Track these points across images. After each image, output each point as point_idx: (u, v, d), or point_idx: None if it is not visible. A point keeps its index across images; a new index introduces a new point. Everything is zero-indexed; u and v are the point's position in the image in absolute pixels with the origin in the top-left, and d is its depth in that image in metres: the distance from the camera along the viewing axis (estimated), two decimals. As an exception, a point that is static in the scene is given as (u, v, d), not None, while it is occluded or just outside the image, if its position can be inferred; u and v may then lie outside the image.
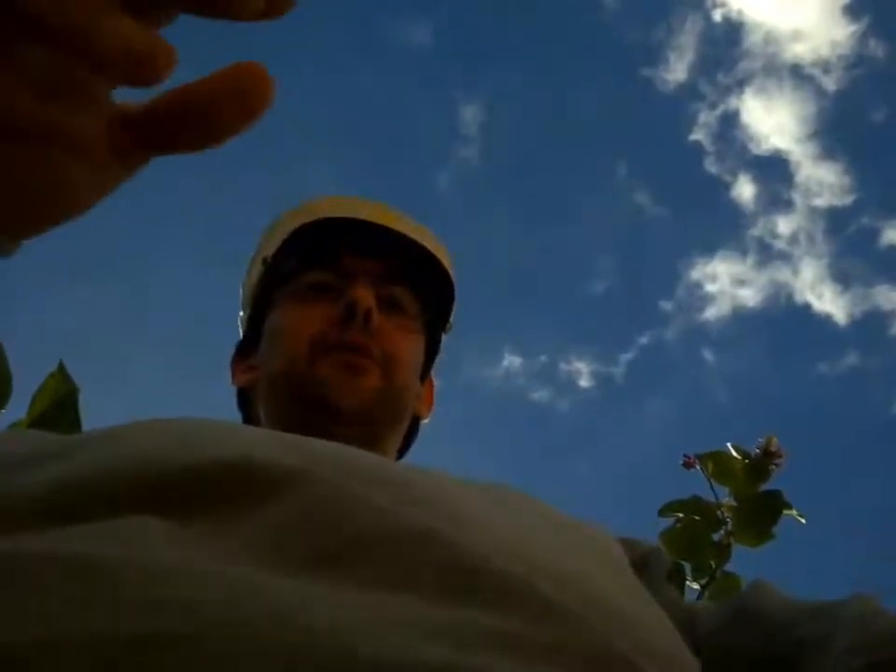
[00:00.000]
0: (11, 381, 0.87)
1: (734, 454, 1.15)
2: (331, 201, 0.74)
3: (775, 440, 1.14)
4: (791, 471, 1.17)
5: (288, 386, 0.66)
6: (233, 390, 0.75)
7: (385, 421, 0.67)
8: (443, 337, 0.79)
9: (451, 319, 0.78)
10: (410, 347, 0.71)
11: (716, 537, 1.14)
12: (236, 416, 0.75)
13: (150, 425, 0.43)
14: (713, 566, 1.13)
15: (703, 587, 1.12)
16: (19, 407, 0.89)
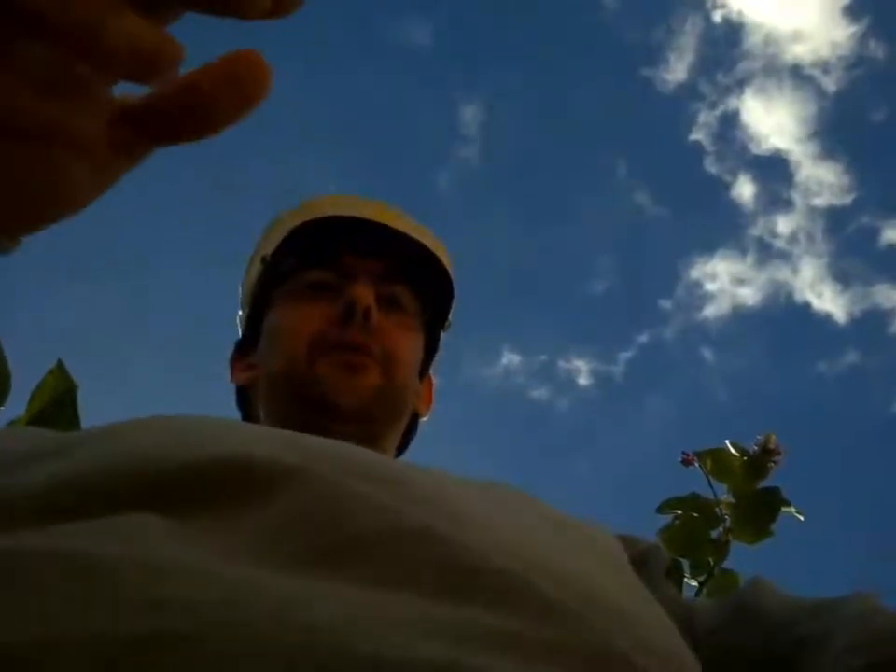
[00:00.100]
0: (10, 378, 0.87)
1: (732, 451, 1.15)
2: (331, 200, 0.74)
3: (773, 437, 1.14)
4: (790, 469, 1.17)
5: (288, 386, 0.66)
6: (233, 388, 0.75)
7: (384, 419, 0.67)
8: (442, 335, 0.79)
9: (450, 318, 0.78)
10: (409, 345, 0.71)
11: (714, 534, 1.14)
12: (235, 414, 0.75)
13: (150, 422, 0.43)
14: (711, 563, 1.13)
15: (701, 584, 1.12)
16: (18, 404, 0.89)
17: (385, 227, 0.71)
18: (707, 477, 1.15)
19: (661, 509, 1.15)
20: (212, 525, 0.33)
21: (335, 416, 0.63)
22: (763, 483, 1.13)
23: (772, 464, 1.13)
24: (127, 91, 0.29)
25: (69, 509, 0.33)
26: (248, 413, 0.73)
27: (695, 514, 1.14)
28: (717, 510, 1.14)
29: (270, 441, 0.40)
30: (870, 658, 0.41)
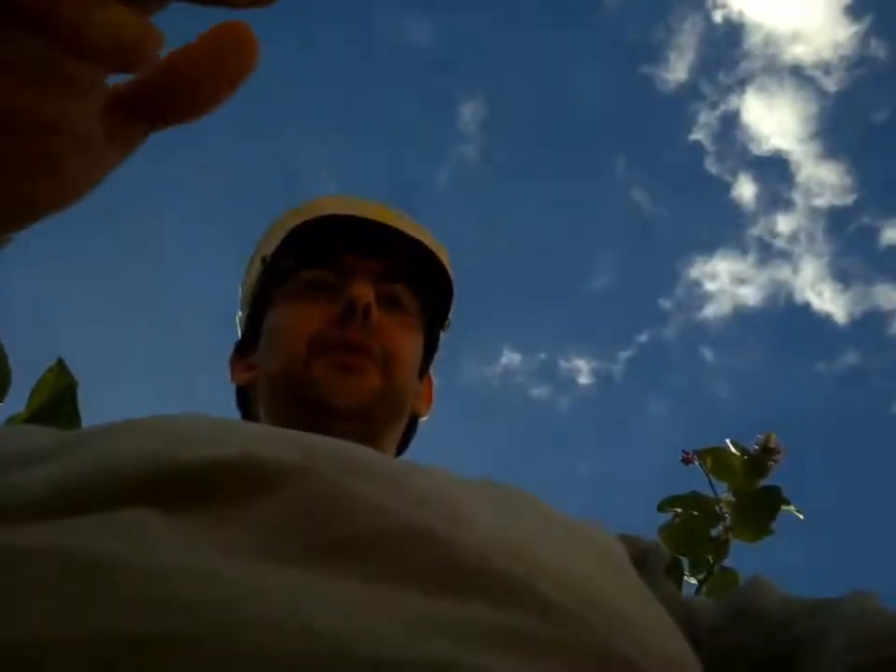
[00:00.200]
0: (10, 375, 0.87)
1: (732, 450, 1.15)
2: (331, 200, 0.74)
3: (773, 436, 1.14)
4: (790, 468, 1.17)
5: (286, 386, 0.66)
6: (233, 387, 0.75)
7: (384, 419, 0.67)
8: (442, 335, 0.79)
9: (449, 318, 0.78)
10: (410, 345, 0.71)
11: (714, 532, 1.14)
12: (236, 414, 0.75)
13: (149, 422, 0.43)
14: (711, 561, 1.13)
15: (701, 582, 1.12)
16: (18, 401, 0.89)
17: (385, 226, 0.71)
18: (707, 475, 1.15)
19: (661, 507, 1.15)
20: (212, 522, 0.33)
21: (333, 416, 0.63)
22: (763, 482, 1.13)
23: (772, 463, 1.13)
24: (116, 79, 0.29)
25: (69, 507, 0.33)
26: (248, 413, 0.73)
27: (695, 513, 1.14)
28: (717, 508, 1.14)
29: (270, 440, 0.40)
30: (869, 657, 0.41)
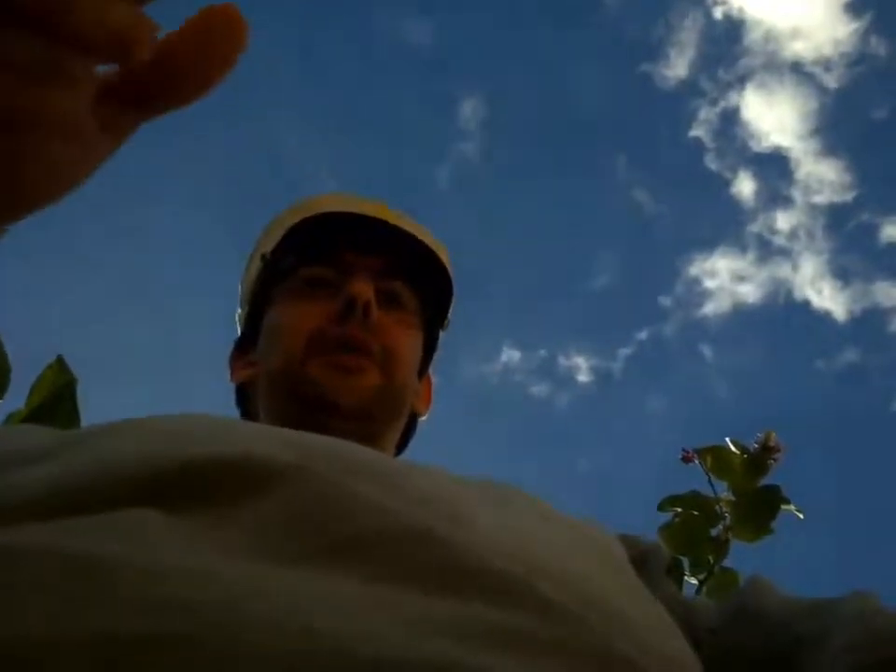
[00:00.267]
0: (10, 372, 0.87)
1: (732, 448, 1.14)
2: (330, 197, 0.74)
3: (773, 434, 1.14)
4: (790, 467, 1.17)
5: (286, 384, 0.66)
6: (232, 386, 0.75)
7: (384, 418, 0.67)
8: (441, 334, 0.79)
9: (448, 317, 0.78)
10: (409, 343, 0.70)
11: (714, 532, 1.14)
12: (235, 413, 0.75)
13: (149, 422, 0.43)
14: (711, 561, 1.13)
15: (701, 582, 1.12)
16: (17, 398, 0.89)
17: (385, 223, 0.71)
18: (707, 474, 1.15)
19: (661, 506, 1.15)
20: (212, 522, 0.33)
21: (334, 414, 0.63)
22: (764, 481, 1.13)
23: (772, 461, 1.13)
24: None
25: (69, 507, 0.33)
26: (247, 411, 0.73)
27: (695, 512, 1.14)
28: (717, 507, 1.14)
29: (268, 440, 0.40)
30: (870, 657, 0.41)
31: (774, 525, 1.12)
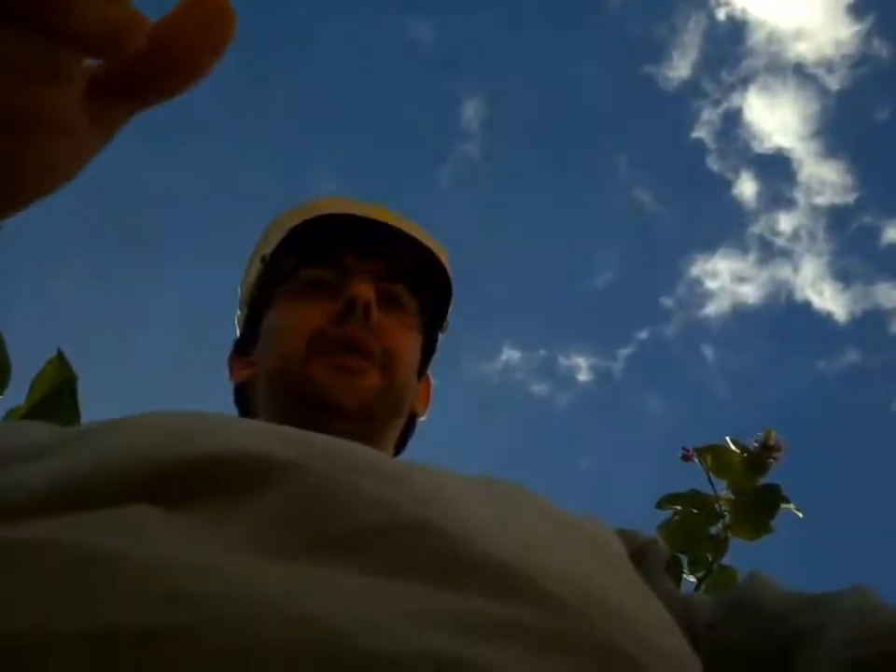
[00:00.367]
0: (10, 368, 0.87)
1: (732, 447, 1.15)
2: (331, 200, 0.74)
3: (773, 433, 1.14)
4: (790, 466, 1.17)
5: (285, 384, 0.66)
6: (231, 385, 0.75)
7: (384, 418, 0.67)
8: (440, 336, 0.79)
9: (448, 318, 0.78)
10: (409, 344, 0.71)
11: (713, 530, 1.14)
12: (234, 411, 0.75)
13: (148, 418, 0.43)
14: (710, 559, 1.13)
15: (699, 580, 1.12)
16: (17, 394, 0.89)
17: (386, 226, 0.71)
18: (706, 473, 1.15)
19: (660, 504, 1.15)
20: (212, 518, 0.33)
21: (335, 414, 0.63)
22: (763, 480, 1.13)
23: (772, 461, 1.13)
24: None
25: (69, 503, 0.33)
26: (246, 412, 0.73)
27: (695, 510, 1.14)
28: (716, 506, 1.14)
29: (267, 436, 0.40)
30: (868, 652, 0.41)
31: (773, 523, 1.12)
